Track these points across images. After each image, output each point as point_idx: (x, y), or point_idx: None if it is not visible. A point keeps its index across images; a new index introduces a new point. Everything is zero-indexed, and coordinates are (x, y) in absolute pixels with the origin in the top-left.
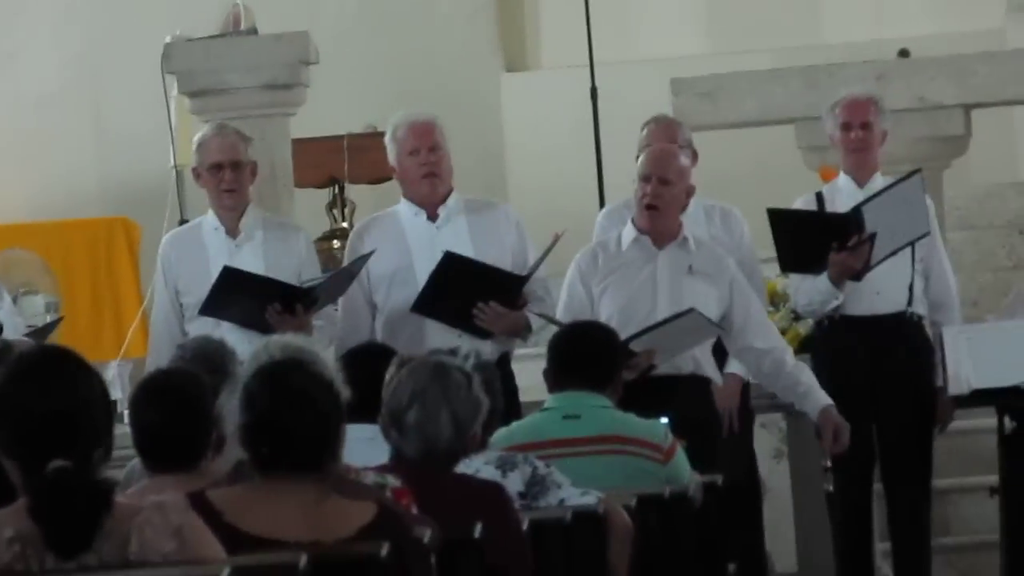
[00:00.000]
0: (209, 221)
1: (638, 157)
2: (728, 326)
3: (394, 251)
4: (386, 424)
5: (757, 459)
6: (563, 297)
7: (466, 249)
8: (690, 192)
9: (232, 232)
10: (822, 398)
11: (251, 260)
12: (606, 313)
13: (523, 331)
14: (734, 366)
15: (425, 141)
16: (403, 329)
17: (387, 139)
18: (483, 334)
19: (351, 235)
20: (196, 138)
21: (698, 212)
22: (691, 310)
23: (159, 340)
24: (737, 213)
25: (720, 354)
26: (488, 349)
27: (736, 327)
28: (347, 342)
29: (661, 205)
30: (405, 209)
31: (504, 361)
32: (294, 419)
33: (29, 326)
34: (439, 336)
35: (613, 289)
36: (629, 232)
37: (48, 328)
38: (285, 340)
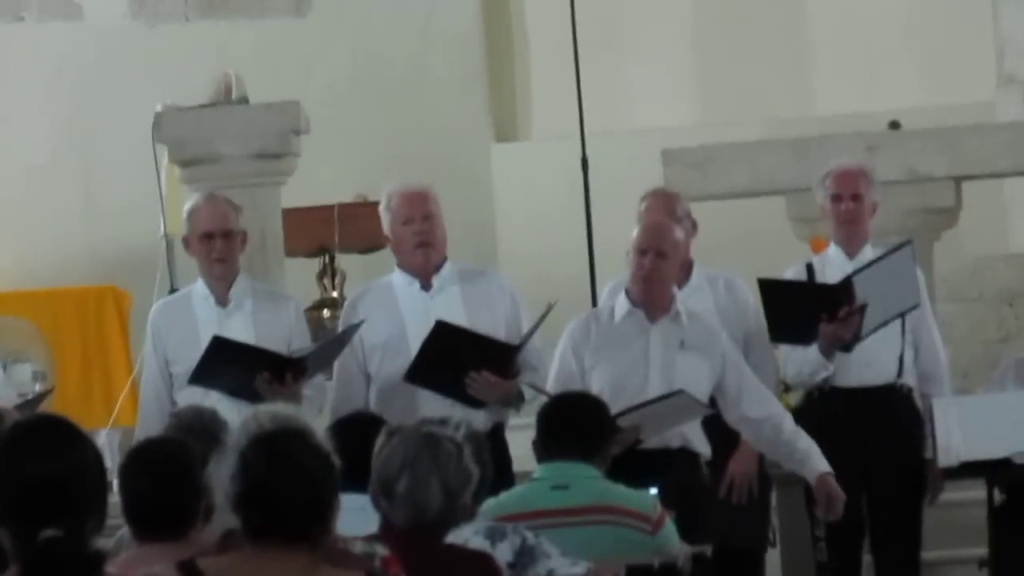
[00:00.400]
0: (199, 290)
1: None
2: (722, 398)
3: (387, 320)
4: (376, 492)
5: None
6: (554, 366)
7: (459, 318)
8: (686, 264)
9: (222, 301)
10: (819, 464)
11: (241, 329)
12: (597, 386)
13: (516, 401)
14: None
15: (419, 210)
16: (396, 398)
17: (381, 208)
18: (475, 404)
19: (345, 305)
20: (187, 207)
21: (702, 282)
22: (680, 391)
23: (148, 409)
24: (741, 283)
25: None
26: (481, 419)
27: (730, 398)
28: (340, 411)
29: (658, 278)
30: (399, 278)
31: (498, 431)
32: (289, 489)
33: (20, 395)
34: (432, 406)
35: (605, 362)
36: (622, 304)
37: (37, 400)
38: (275, 410)
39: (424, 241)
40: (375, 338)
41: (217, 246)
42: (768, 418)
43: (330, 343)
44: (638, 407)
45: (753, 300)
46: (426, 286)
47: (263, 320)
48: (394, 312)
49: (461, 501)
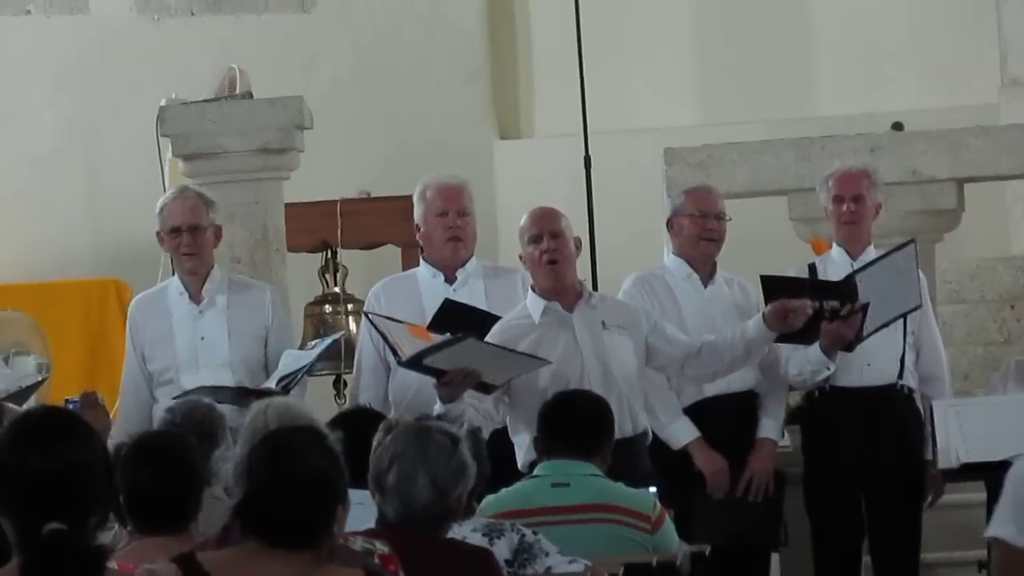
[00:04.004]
0: (174, 285)
1: (669, 224)
2: (661, 357)
3: (408, 312)
4: (372, 487)
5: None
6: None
7: None
8: (711, 264)
9: (196, 297)
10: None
11: (215, 327)
12: (541, 386)
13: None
14: (767, 430)
15: (454, 204)
16: (412, 389)
17: (415, 196)
18: (486, 388)
19: (369, 294)
20: (159, 202)
21: (721, 282)
22: (468, 336)
23: (127, 406)
24: (751, 287)
25: (748, 417)
26: (499, 416)
27: (664, 352)
28: (360, 398)
29: (560, 258)
30: (424, 271)
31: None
32: (290, 501)
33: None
34: None
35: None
36: (535, 302)
37: (30, 389)
38: (284, 405)
39: (455, 236)
40: None
41: (185, 241)
42: (692, 345)
43: (311, 365)
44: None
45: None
46: (450, 279)
47: (237, 317)
48: (416, 304)
49: (453, 496)
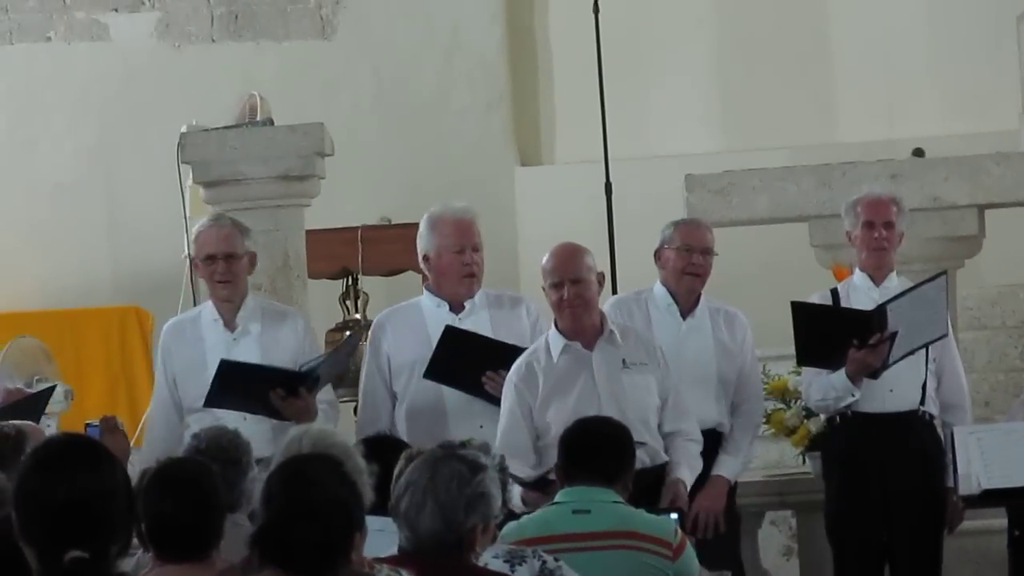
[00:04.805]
0: (208, 312)
1: (656, 254)
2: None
3: (415, 342)
4: (392, 515)
5: (743, 562)
6: (502, 422)
7: None
8: (695, 295)
9: (230, 325)
10: (681, 472)
11: (249, 355)
12: (555, 426)
13: None
14: (721, 468)
15: (469, 240)
16: (425, 418)
17: (424, 226)
18: (498, 403)
19: (373, 325)
20: (194, 229)
21: (704, 314)
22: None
23: (154, 430)
24: (742, 317)
25: (708, 455)
26: None
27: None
28: (367, 430)
29: (580, 303)
30: (428, 300)
31: None
32: (305, 531)
33: (48, 413)
34: (461, 425)
35: (557, 402)
36: (556, 340)
37: (40, 400)
38: (321, 433)
39: (472, 273)
40: (403, 358)
41: (220, 268)
42: (677, 432)
43: (336, 352)
44: None
45: (751, 336)
46: (456, 308)
47: (269, 343)
48: (422, 333)
49: (466, 524)
